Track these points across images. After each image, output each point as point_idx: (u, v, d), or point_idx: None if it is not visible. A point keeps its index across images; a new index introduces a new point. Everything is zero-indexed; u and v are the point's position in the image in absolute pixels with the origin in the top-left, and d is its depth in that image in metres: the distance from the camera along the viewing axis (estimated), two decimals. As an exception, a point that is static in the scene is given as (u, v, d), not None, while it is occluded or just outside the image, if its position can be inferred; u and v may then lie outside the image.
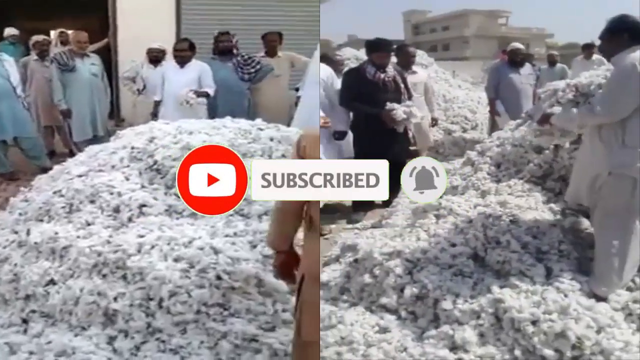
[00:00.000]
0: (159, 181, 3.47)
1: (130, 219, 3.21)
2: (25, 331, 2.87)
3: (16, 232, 3.46)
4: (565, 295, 2.53)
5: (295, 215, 2.18)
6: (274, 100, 6.20)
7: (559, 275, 2.66)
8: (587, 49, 8.35)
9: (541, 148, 3.62)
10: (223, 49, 6.20)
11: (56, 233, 3.18)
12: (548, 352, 2.32)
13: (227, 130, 3.77)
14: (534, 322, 2.40)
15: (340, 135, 4.98)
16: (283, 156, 3.59)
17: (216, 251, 2.85)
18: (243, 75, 6.11)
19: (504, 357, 2.38)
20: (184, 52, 5.89)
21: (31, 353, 2.68)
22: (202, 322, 2.68)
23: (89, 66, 6.46)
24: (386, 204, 4.54)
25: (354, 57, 8.33)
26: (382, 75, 4.61)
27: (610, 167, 2.65)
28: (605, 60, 3.64)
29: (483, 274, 2.78)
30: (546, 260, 2.79)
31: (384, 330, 2.64)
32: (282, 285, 2.78)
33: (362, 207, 4.72)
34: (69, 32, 7.17)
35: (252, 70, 6.13)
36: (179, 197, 3.31)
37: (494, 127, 6.20)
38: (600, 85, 3.31)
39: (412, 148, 5.07)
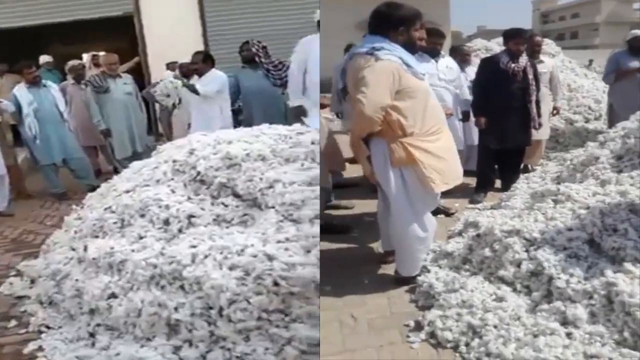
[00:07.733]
0: (204, 192, 3.48)
1: (180, 230, 3.23)
2: (93, 344, 2.93)
3: (74, 249, 3.57)
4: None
5: None
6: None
7: (679, 266, 2.61)
8: None
9: None
10: (245, 57, 6.23)
11: (112, 248, 3.24)
12: None
13: (266, 137, 3.72)
14: (645, 309, 2.38)
15: (464, 117, 5.17)
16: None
17: (270, 257, 2.81)
18: (275, 81, 6.10)
19: (613, 337, 2.40)
20: (197, 65, 5.87)
21: (101, 365, 2.74)
22: (264, 328, 2.66)
23: (122, 86, 6.60)
24: (505, 188, 4.81)
25: (483, 47, 8.38)
26: (513, 65, 4.76)
27: None
28: None
29: (597, 259, 2.82)
30: None
31: (500, 299, 2.79)
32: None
33: (484, 188, 5.07)
34: (100, 54, 7.33)
35: (283, 74, 6.03)
36: (226, 207, 3.37)
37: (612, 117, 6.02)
38: None
39: (534, 138, 5.21)
